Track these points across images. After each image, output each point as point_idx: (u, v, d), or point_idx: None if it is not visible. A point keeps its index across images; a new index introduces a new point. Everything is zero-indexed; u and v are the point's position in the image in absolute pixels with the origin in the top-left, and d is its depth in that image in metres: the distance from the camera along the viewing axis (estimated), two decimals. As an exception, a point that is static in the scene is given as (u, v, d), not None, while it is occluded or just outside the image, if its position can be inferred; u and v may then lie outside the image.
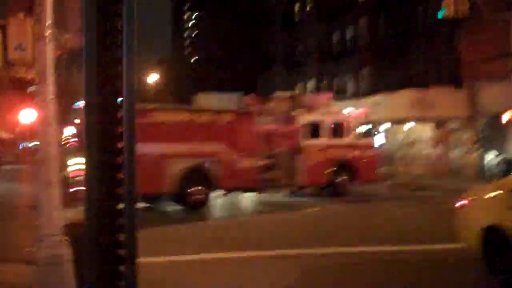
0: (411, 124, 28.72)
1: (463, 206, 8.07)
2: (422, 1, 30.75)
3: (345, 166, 18.76)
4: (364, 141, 19.43)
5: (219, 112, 16.47)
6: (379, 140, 20.99)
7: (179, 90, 59.56)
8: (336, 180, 18.69)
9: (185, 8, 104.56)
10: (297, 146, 17.97)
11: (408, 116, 27.86)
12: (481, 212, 7.75)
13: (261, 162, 16.95)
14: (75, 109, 16.23)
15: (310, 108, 18.64)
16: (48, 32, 5.96)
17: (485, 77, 26.01)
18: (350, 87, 40.85)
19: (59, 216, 5.51)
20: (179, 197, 15.73)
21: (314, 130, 18.49)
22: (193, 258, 9.25)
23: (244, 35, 54.03)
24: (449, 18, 19.88)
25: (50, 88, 6.01)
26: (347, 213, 15.74)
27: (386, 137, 30.30)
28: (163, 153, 15.03)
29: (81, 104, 16.77)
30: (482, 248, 7.35)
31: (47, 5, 5.91)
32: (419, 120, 28.28)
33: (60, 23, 6.18)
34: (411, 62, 31.34)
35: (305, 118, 18.24)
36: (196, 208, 15.62)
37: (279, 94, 20.12)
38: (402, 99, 27.91)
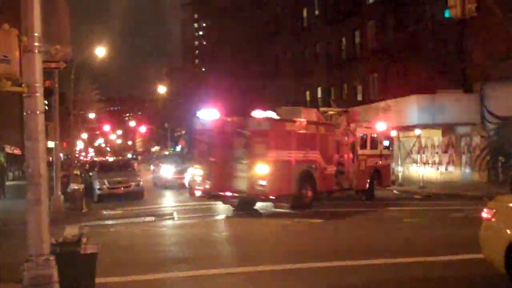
0: (420, 130, 28.30)
1: (487, 218, 7.70)
2: (430, 3, 30.38)
3: (375, 174, 21.41)
4: (386, 151, 22.32)
5: (317, 124, 18.87)
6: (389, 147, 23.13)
7: (189, 100, 59.60)
8: (373, 186, 21.28)
9: (194, 18, 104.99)
10: (356, 155, 20.38)
11: (417, 122, 27.46)
12: (505, 225, 7.38)
13: (336, 169, 19.43)
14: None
15: (357, 122, 21.32)
16: (36, 44, 5.79)
17: (495, 78, 25.56)
18: (359, 93, 40.51)
19: (47, 235, 5.32)
20: (294, 198, 17.36)
21: (362, 141, 20.98)
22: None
23: (252, 42, 53.79)
24: (456, 18, 19.51)
25: (39, 101, 5.84)
26: (362, 223, 15.76)
27: (395, 143, 29.92)
28: (290, 159, 17.04)
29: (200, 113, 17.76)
30: (506, 262, 7.10)
31: (35, 16, 5.74)
32: (427, 125, 27.87)
33: (49, 34, 6.02)
34: (419, 66, 30.92)
35: (358, 131, 20.78)
36: (304, 209, 17.30)
37: (324, 109, 22.62)
38: (411, 104, 27.55)
